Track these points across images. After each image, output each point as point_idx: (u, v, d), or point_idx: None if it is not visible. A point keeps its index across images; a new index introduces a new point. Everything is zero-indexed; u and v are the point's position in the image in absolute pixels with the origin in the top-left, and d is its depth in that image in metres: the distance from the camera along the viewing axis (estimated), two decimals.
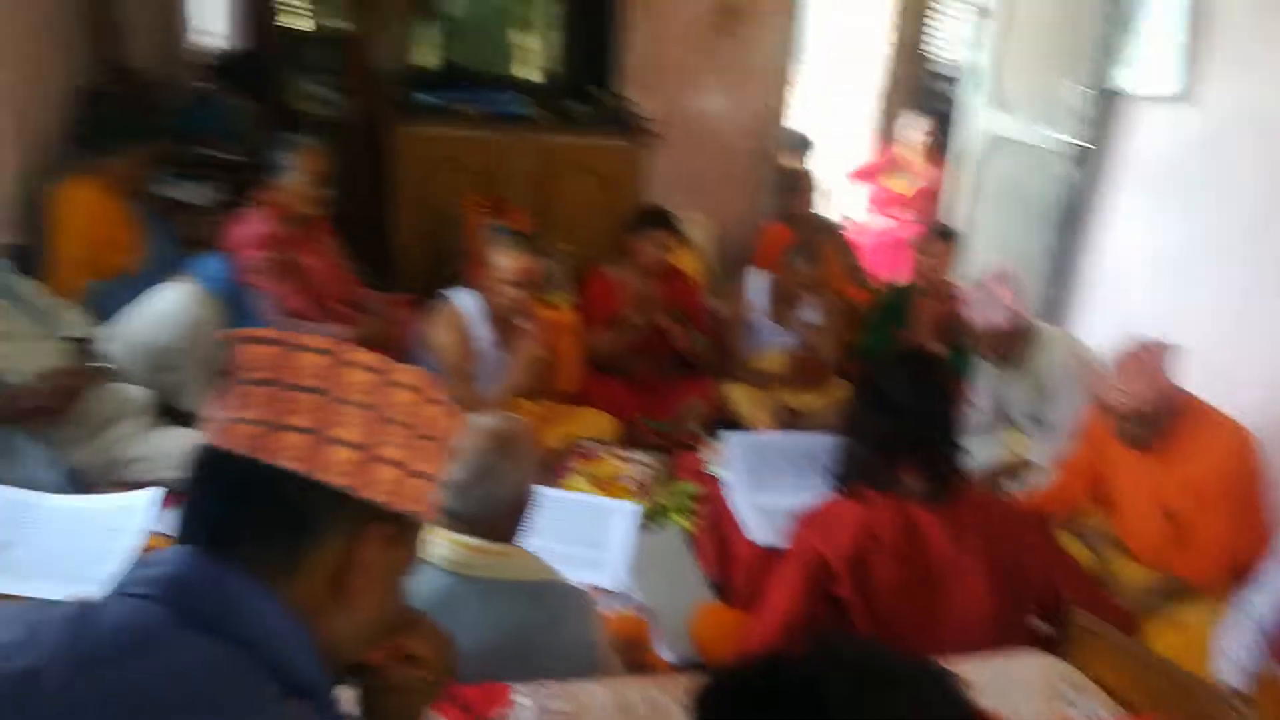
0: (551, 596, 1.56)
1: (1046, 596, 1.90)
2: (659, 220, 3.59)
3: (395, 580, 0.92)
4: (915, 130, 5.37)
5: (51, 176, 2.90)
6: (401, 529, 0.88)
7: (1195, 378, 2.32)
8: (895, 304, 3.77)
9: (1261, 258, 3.04)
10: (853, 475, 1.95)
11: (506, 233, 3.18)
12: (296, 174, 2.98)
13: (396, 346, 3.17)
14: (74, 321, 2.49)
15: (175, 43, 4.28)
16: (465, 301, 3.04)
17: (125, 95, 3.43)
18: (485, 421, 1.59)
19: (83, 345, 2.42)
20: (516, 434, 1.60)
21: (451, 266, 3.87)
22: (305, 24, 4.60)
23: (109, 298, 2.76)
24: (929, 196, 5.27)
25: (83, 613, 0.78)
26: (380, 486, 0.84)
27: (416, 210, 3.98)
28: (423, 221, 3.99)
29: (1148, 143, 3.62)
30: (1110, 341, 2.48)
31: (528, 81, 4.38)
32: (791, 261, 3.56)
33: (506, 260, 2.95)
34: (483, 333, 3.04)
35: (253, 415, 0.82)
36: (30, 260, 2.73)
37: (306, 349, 0.85)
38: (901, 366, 1.99)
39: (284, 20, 4.14)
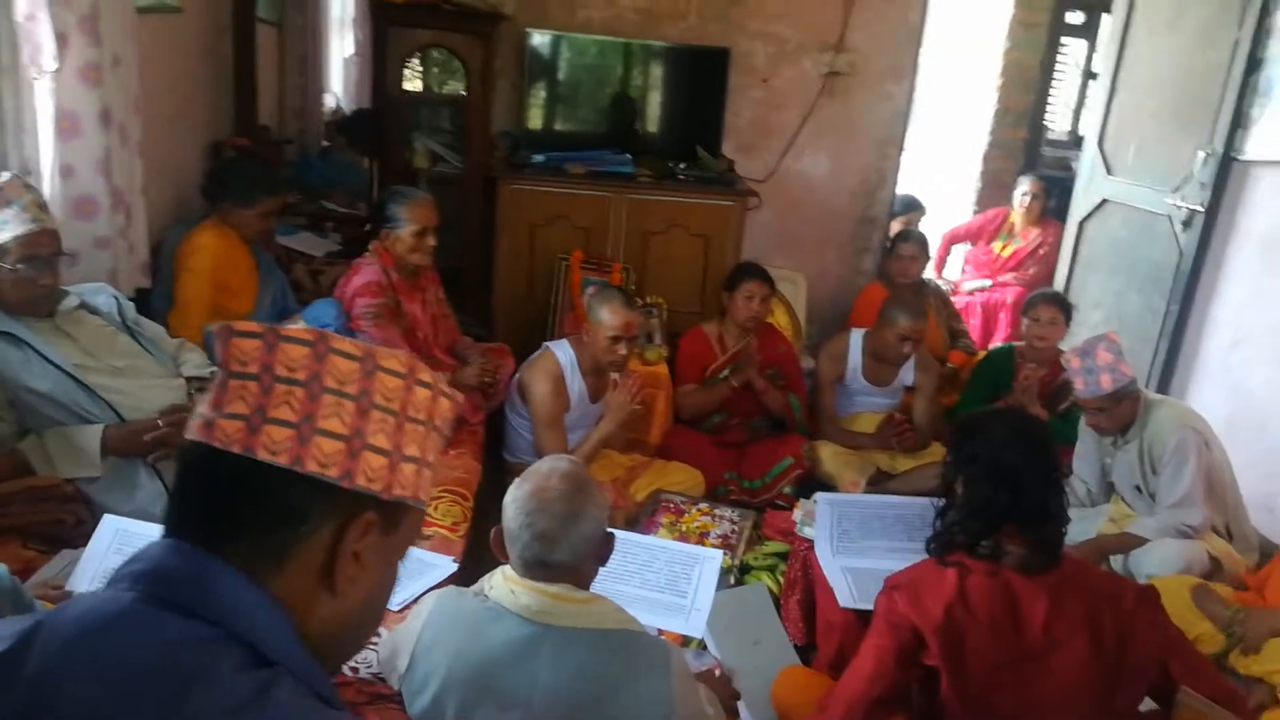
0: (631, 647, 1.51)
1: (1155, 673, 1.80)
2: (752, 274, 3.62)
3: (388, 568, 0.91)
4: (1019, 192, 5.30)
5: (181, 225, 3.05)
6: (392, 516, 0.87)
7: None
8: (995, 367, 3.68)
9: None
10: (949, 541, 1.87)
11: (607, 288, 3.24)
12: (407, 226, 3.08)
13: (493, 394, 3.24)
14: (195, 362, 2.53)
15: (302, 102, 4.54)
16: (561, 353, 3.10)
17: (254, 150, 3.60)
18: (551, 465, 1.57)
19: (202, 385, 2.51)
20: (586, 475, 1.58)
21: (550, 318, 3.96)
22: (421, 86, 4.81)
23: None
24: (1031, 259, 5.17)
25: (63, 606, 0.80)
26: (370, 475, 0.83)
27: (519, 263, 4.10)
28: (525, 274, 4.10)
29: (1267, 208, 3.48)
30: (1222, 411, 2.37)
31: (635, 143, 4.49)
32: (887, 319, 3.52)
33: (608, 315, 3.00)
34: (576, 384, 3.09)
35: (240, 410, 0.81)
36: (154, 303, 2.85)
37: (292, 340, 0.83)
38: (1003, 428, 1.90)
39: (403, 83, 4.33)
